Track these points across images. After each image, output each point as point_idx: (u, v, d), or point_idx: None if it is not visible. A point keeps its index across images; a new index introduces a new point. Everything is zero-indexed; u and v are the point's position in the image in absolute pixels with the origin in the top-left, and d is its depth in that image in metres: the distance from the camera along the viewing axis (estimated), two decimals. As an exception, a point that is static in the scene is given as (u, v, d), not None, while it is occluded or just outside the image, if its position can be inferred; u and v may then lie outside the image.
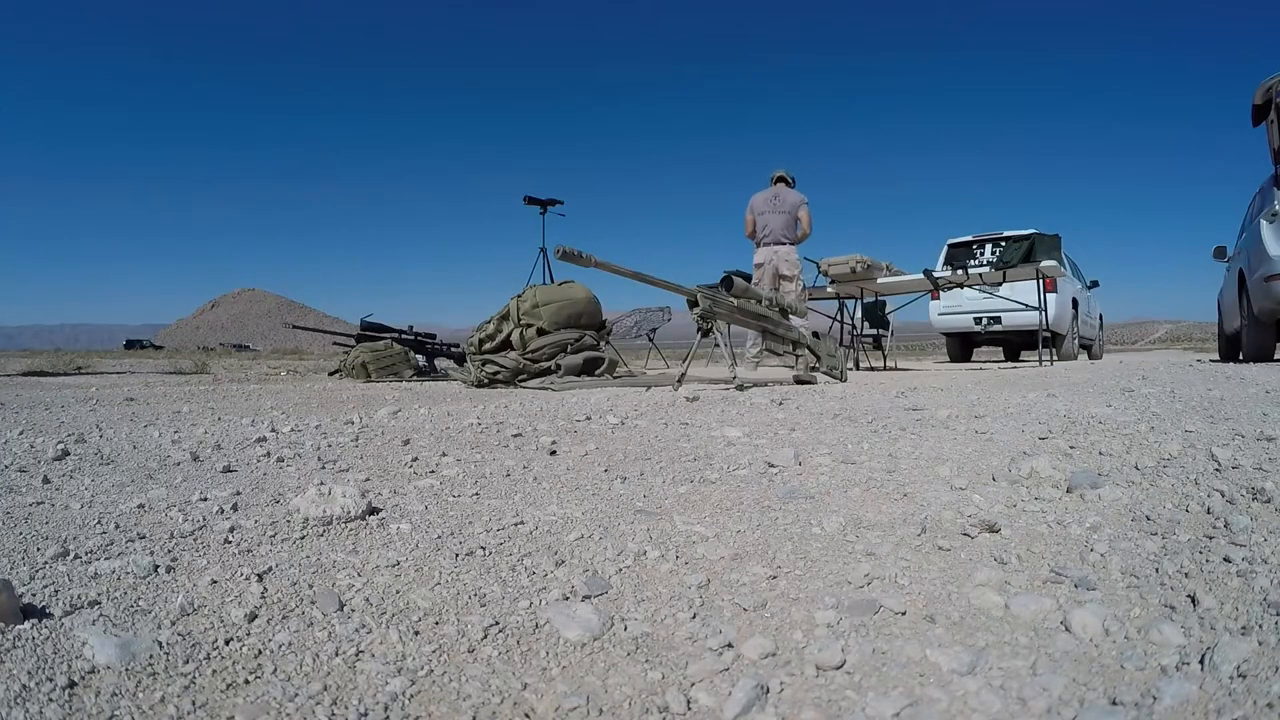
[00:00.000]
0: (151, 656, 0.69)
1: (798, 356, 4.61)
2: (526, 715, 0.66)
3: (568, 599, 0.87)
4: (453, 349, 6.71)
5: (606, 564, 0.98)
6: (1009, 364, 9.14)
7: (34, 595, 0.81)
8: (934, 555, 1.00)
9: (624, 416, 2.44)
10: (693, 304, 3.84)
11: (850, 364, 7.18)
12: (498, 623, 0.81)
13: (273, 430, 2.20)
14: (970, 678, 0.69)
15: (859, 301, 8.19)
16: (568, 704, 0.66)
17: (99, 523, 1.12)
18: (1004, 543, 1.04)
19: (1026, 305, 7.56)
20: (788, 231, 6.69)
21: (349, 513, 1.13)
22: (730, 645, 0.76)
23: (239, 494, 1.32)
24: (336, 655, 0.72)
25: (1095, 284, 11.04)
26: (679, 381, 3.93)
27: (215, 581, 0.88)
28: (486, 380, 4.68)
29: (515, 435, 2.04)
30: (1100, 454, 1.56)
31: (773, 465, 1.57)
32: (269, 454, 1.77)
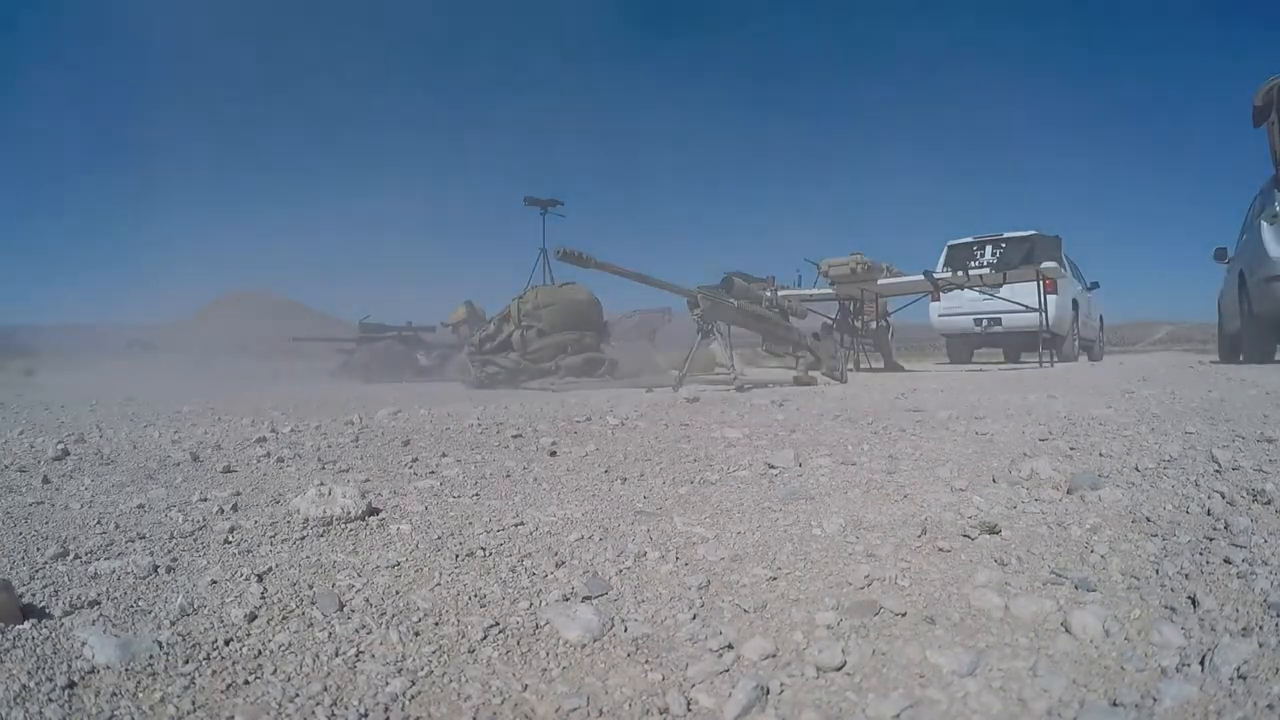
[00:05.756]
0: (151, 656, 0.69)
1: (798, 358, 4.61)
2: (527, 716, 0.66)
3: (568, 600, 0.87)
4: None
5: (607, 565, 0.98)
6: (1009, 365, 9.14)
7: (34, 595, 0.81)
8: (934, 556, 1.00)
9: (624, 417, 2.44)
10: (693, 305, 3.84)
11: (850, 365, 7.18)
12: (498, 623, 0.81)
13: (273, 430, 2.20)
14: (970, 679, 0.69)
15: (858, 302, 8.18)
16: (568, 705, 0.66)
17: (99, 523, 1.12)
18: (1004, 544, 1.04)
19: (1027, 307, 7.56)
20: None
21: (349, 513, 1.13)
22: (730, 646, 0.76)
23: (239, 494, 1.32)
24: (336, 656, 0.72)
25: (1096, 285, 11.03)
26: (679, 382, 3.93)
27: (215, 581, 0.88)
28: (486, 380, 4.68)
29: (515, 436, 2.04)
30: (1100, 455, 1.56)
31: (773, 466, 1.57)
32: (269, 454, 1.77)
